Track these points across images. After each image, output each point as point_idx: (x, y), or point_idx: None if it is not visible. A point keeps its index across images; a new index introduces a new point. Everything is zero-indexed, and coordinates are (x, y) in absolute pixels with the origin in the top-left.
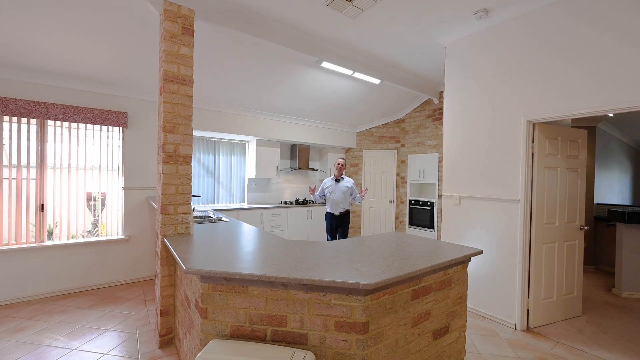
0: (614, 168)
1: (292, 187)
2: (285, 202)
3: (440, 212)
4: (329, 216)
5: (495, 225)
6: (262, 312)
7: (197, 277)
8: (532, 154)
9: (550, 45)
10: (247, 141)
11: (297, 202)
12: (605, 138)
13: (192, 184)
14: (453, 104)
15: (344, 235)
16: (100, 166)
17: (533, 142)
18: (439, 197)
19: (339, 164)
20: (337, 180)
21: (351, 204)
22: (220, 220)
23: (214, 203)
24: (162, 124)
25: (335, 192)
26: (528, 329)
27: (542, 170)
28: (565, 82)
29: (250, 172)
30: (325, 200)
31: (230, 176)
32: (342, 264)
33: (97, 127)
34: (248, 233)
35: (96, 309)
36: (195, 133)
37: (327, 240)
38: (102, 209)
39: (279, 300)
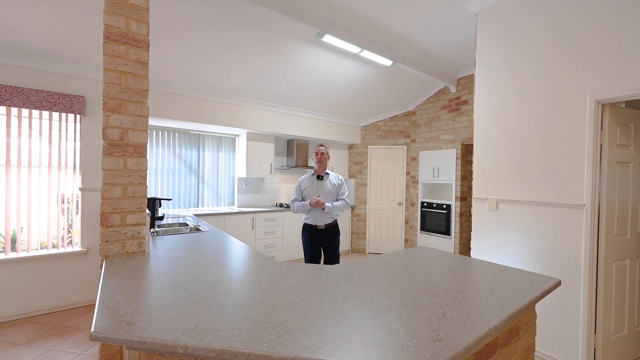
0: None
1: (288, 187)
2: (281, 205)
3: (459, 216)
4: (309, 231)
5: (548, 238)
6: None
7: None
8: (601, 145)
9: None
10: (237, 135)
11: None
12: None
13: (149, 183)
14: (487, 84)
15: (334, 259)
16: (50, 163)
17: (602, 129)
18: (459, 199)
19: (318, 153)
20: (319, 177)
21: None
22: (197, 229)
23: (197, 206)
24: (103, 100)
25: (318, 194)
26: None
27: (612, 166)
28: None
29: (241, 170)
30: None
31: (218, 175)
32: (362, 313)
33: (45, 113)
34: (226, 251)
35: (34, 346)
36: (175, 125)
37: None
38: (76, 214)
39: None
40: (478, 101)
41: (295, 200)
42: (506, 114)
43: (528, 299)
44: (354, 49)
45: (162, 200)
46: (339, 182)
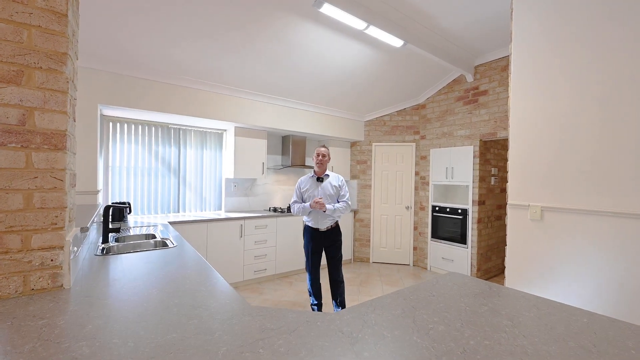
0: None
1: (283, 189)
2: (275, 209)
3: (477, 222)
4: (311, 233)
5: (618, 262)
6: None
7: None
8: None
9: None
10: (224, 130)
11: (289, 209)
12: None
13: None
14: (526, 61)
15: (337, 261)
16: None
17: None
18: (477, 203)
19: (319, 154)
20: (319, 179)
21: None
22: (164, 243)
23: (178, 211)
24: None
25: (318, 197)
26: None
27: None
28: None
29: (229, 170)
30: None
31: (202, 176)
32: None
33: None
34: (183, 283)
35: None
36: (150, 117)
37: (307, 270)
38: None
39: None
40: (514, 84)
41: (295, 202)
42: (553, 98)
43: None
44: (358, 24)
45: (130, 207)
46: (340, 183)
